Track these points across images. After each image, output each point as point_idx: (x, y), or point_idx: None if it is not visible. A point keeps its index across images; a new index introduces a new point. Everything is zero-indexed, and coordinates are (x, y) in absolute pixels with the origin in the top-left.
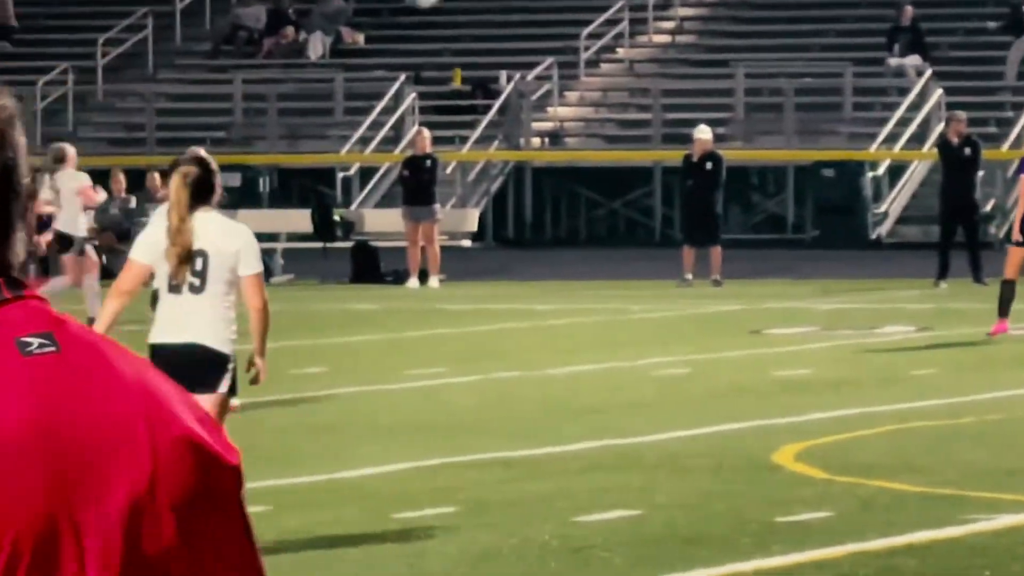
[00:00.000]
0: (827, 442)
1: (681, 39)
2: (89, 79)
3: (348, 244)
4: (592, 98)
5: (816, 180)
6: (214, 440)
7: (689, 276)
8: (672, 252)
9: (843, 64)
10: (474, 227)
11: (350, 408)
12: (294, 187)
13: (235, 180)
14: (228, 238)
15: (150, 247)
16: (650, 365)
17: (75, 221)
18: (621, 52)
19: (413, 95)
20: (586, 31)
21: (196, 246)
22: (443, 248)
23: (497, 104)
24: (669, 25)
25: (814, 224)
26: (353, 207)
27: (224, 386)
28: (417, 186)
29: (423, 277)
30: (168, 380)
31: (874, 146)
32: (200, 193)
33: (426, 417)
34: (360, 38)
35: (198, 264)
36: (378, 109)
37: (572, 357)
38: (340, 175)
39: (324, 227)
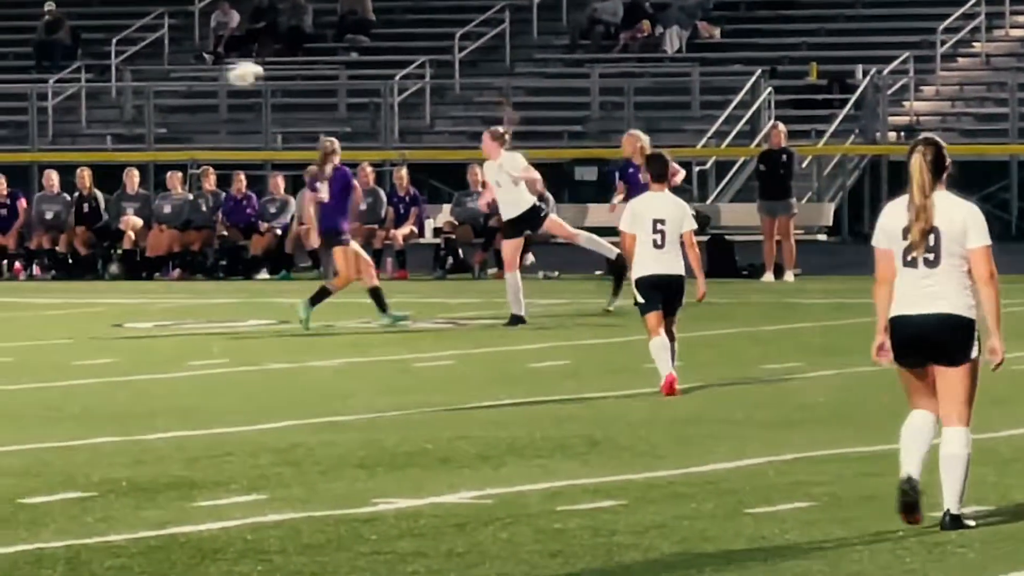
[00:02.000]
0: None
1: None
2: (446, 73)
3: (704, 238)
4: (948, 92)
5: None
6: None
7: None
8: None
9: None
10: (829, 221)
11: (705, 401)
12: None
13: (591, 174)
14: (956, 214)
15: (884, 231)
16: (1007, 360)
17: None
18: (978, 46)
19: (769, 89)
20: (943, 25)
21: (932, 222)
22: (798, 242)
23: (853, 98)
24: None
25: None
26: (709, 201)
27: (974, 352)
28: (773, 180)
29: (778, 271)
30: None
31: None
32: (937, 171)
33: (781, 411)
34: (716, 32)
35: (931, 240)
36: (734, 103)
37: None
38: (696, 169)
39: None
